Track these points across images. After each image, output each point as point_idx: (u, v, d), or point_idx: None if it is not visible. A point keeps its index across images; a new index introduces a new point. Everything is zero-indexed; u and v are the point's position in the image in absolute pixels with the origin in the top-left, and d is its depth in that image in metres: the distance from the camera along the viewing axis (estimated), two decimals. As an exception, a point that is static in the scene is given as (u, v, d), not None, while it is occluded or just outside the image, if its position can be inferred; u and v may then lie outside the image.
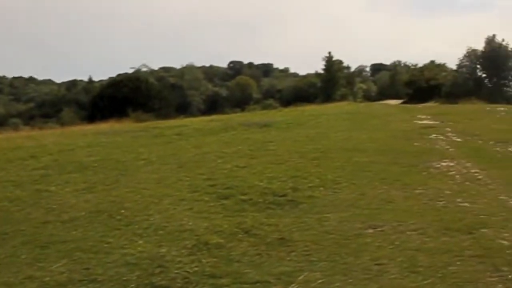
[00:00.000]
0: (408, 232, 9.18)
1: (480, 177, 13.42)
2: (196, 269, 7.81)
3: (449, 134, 21.23)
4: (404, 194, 11.73)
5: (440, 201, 11.16)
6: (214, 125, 26.08)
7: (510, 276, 7.39)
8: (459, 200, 11.18)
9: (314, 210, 10.57)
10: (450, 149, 17.51)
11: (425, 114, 30.59)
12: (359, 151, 16.78)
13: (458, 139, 19.89)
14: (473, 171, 14.11)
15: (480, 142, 19.37)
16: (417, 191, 11.97)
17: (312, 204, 11.00)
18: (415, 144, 18.58)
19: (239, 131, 23.05)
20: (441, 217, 9.96)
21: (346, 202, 11.11)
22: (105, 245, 8.87)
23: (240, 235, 9.17)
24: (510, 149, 17.69)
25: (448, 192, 11.87)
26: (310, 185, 12.54)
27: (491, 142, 19.08)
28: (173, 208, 10.92)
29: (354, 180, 13.00)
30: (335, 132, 21.90)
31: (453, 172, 13.94)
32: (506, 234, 8.99)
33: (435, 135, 20.79)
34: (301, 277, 7.50)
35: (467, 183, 12.77)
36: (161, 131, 24.05)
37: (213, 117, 33.98)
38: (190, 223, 9.86)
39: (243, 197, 11.46)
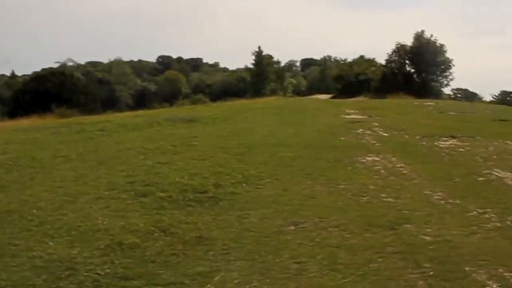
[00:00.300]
0: (329, 229, 8.97)
1: (405, 172, 13.34)
2: (108, 270, 7.43)
3: (376, 128, 21.22)
4: (328, 190, 11.54)
5: (364, 196, 11.01)
6: (139, 120, 25.49)
7: (431, 273, 7.25)
8: (383, 195, 11.05)
9: (235, 207, 10.27)
10: (377, 144, 17.45)
11: (353, 109, 30.61)
12: (284, 146, 16.54)
13: (385, 134, 19.88)
14: (398, 165, 14.04)
15: (406, 136, 19.39)
16: (341, 186, 11.79)
17: (234, 201, 10.69)
18: (342, 138, 18.47)
19: (164, 127, 22.56)
20: (364, 213, 9.80)
21: (268, 199, 10.85)
22: (12, 248, 8.37)
23: (157, 234, 8.80)
24: (436, 143, 17.73)
25: (372, 187, 11.73)
26: (232, 181, 12.23)
27: (417, 137, 19.11)
28: (89, 207, 10.45)
29: (277, 176, 12.75)
30: (261, 127, 21.64)
31: (378, 167, 13.84)
32: (428, 230, 8.87)
33: (362, 129, 20.72)
34: (217, 278, 7.21)
35: (391, 178, 12.66)
36: (83, 127, 23.33)
37: (139, 112, 33.41)
38: (105, 222, 9.44)
39: (162, 195, 11.06)
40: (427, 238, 8.50)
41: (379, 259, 7.70)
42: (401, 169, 13.64)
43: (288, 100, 47.69)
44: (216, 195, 11.04)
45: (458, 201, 10.60)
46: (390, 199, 10.76)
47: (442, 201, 10.61)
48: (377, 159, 14.90)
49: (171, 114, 29.35)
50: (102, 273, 7.35)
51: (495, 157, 15.39)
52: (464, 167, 14.01)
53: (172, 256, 7.92)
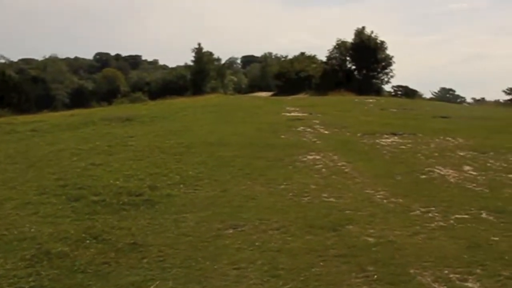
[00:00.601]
0: (270, 231, 8.62)
1: (346, 170, 13.10)
2: (32, 283, 6.92)
3: (317, 126, 21.00)
4: (268, 190, 11.21)
5: (305, 196, 10.70)
6: (74, 120, 24.71)
7: (375, 277, 6.95)
8: (324, 195, 10.76)
9: (172, 210, 9.84)
10: (317, 142, 17.20)
11: (293, 106, 30.42)
12: (223, 145, 16.16)
13: (326, 132, 19.67)
14: (339, 164, 13.79)
15: (347, 134, 19.21)
16: (282, 187, 11.47)
17: (170, 204, 10.26)
18: (282, 137, 18.17)
19: (99, 126, 21.86)
20: (305, 214, 9.47)
21: (207, 200, 10.44)
22: None
23: (88, 242, 8.29)
24: (377, 141, 17.58)
25: (313, 186, 11.44)
26: (169, 182, 11.80)
27: (358, 134, 18.95)
28: (15, 213, 9.86)
29: (216, 176, 12.36)
30: (200, 126, 21.19)
31: (320, 166, 13.56)
32: (371, 230, 8.60)
33: (302, 127, 20.48)
34: (151, 287, 6.76)
35: (333, 177, 12.39)
36: (14, 127, 22.45)
37: (75, 111, 32.41)
38: (33, 230, 8.87)
39: (95, 198, 10.54)
40: (370, 239, 8.23)
41: (321, 263, 7.38)
42: (343, 167, 13.40)
43: (228, 98, 47.31)
44: (152, 198, 10.58)
45: (400, 200, 10.38)
46: (332, 199, 10.48)
47: (385, 200, 10.38)
48: (318, 157, 14.63)
49: (107, 113, 28.55)
50: (27, 286, 6.84)
51: (436, 154, 15.29)
52: (406, 164, 13.85)
53: (103, 265, 7.44)
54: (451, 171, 13.02)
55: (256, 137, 17.93)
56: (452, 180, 12.14)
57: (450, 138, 18.20)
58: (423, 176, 12.49)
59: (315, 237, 8.33)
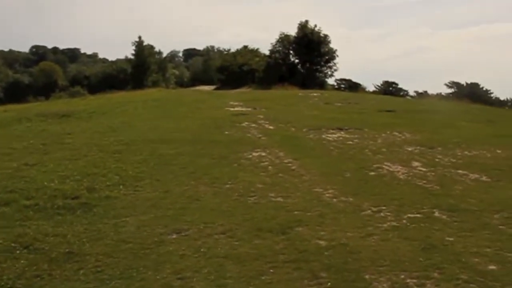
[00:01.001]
0: (215, 236, 8.10)
1: (293, 167, 12.66)
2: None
3: (262, 121, 20.54)
4: (213, 190, 10.69)
5: (251, 196, 10.22)
6: (7, 116, 23.78)
7: (329, 284, 6.52)
8: (271, 194, 10.29)
9: (111, 214, 9.23)
10: (263, 138, 16.74)
11: (237, 101, 29.91)
12: (165, 142, 15.57)
13: (271, 127, 19.22)
14: (286, 161, 13.35)
15: (293, 129, 18.79)
16: (227, 186, 10.97)
17: (109, 207, 9.65)
18: (226, 133, 17.66)
19: (34, 123, 20.93)
20: (252, 215, 8.99)
21: (148, 202, 9.87)
22: None
23: (18, 252, 7.65)
24: (323, 136, 17.22)
25: (260, 185, 10.97)
26: (108, 183, 11.18)
27: (304, 130, 18.55)
28: None
29: (158, 176, 11.79)
30: (141, 121, 20.52)
31: (266, 163, 13.09)
32: (322, 233, 8.16)
33: (247, 123, 19.99)
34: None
35: (280, 175, 11.93)
36: None
37: (8, 106, 31.37)
38: (-45, 240, 8.16)
39: (27, 203, 9.84)
40: (322, 242, 7.79)
41: (271, 270, 6.92)
42: (289, 164, 12.96)
43: (170, 92, 46.46)
44: (90, 201, 9.96)
45: (350, 198, 10.00)
46: (279, 199, 10.03)
47: (334, 199, 9.97)
48: (263, 154, 14.17)
49: (44, 108, 27.65)
50: None
51: (384, 149, 15.01)
52: (353, 161, 13.49)
53: (35, 279, 6.85)
54: (400, 167, 12.73)
55: (199, 133, 17.38)
56: (401, 176, 11.83)
57: (397, 133, 17.99)
58: (372, 173, 12.16)
59: (263, 241, 7.86)
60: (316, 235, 8.06)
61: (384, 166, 12.79)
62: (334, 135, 17.43)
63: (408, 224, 8.58)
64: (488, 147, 15.57)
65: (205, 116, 21.95)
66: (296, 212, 9.15)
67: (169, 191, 10.59)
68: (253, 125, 19.58)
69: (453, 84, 75.24)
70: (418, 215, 9.01)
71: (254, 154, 14.16)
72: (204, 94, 39.10)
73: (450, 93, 68.49)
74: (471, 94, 58.00)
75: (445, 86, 72.87)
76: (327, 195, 10.27)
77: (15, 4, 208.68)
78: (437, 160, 13.70)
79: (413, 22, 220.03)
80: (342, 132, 18.06)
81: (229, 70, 67.66)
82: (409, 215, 9.02)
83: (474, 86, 73.41)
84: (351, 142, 16.17)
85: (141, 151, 14.46)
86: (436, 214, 9.10)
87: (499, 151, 15.05)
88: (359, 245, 7.68)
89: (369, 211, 9.25)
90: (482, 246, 7.63)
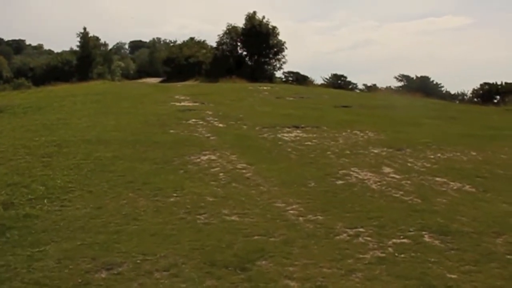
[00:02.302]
0: (156, 274, 6.39)
1: (248, 175, 11.02)
2: None
3: (210, 118, 18.85)
4: (155, 205, 8.97)
5: (201, 214, 8.53)
6: None
7: None
8: (225, 211, 8.62)
9: (27, 240, 7.43)
10: (212, 138, 15.06)
11: (184, 95, 28.10)
12: (103, 143, 13.80)
13: (221, 125, 17.54)
14: (239, 166, 11.70)
15: (245, 127, 17.15)
16: (171, 199, 9.27)
17: (27, 230, 7.84)
18: (171, 131, 15.93)
19: (-42, 120, 18.95)
20: (202, 243, 7.28)
21: (76, 223, 8.10)
22: None
23: None
24: (279, 135, 15.62)
25: (210, 199, 9.30)
26: (30, 196, 9.38)
27: (257, 128, 16.92)
28: None
29: (90, 186, 10.03)
30: (79, 118, 18.64)
31: (216, 169, 11.43)
32: (292, 268, 6.52)
33: (194, 120, 18.27)
34: None
35: (233, 184, 10.28)
36: None
37: None
38: None
39: None
40: (293, 284, 6.13)
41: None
42: (244, 171, 11.32)
43: (114, 85, 44.12)
44: (4, 221, 8.15)
45: (320, 217, 8.39)
46: (234, 217, 8.37)
47: (301, 218, 8.35)
48: (213, 157, 12.51)
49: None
50: None
51: (347, 151, 13.51)
52: (316, 166, 11.93)
53: None
54: (370, 174, 11.22)
55: (141, 132, 15.63)
56: (374, 186, 10.30)
57: (358, 132, 16.57)
58: (340, 182, 10.59)
59: (218, 282, 6.16)
60: (284, 271, 6.39)
61: (351, 173, 11.26)
62: (290, 135, 15.86)
63: (396, 254, 6.94)
64: (461, 148, 14.24)
65: (149, 112, 20.18)
66: (256, 237, 7.48)
67: (102, 207, 8.84)
68: (201, 122, 17.89)
69: (403, 78, 74.79)
70: (405, 241, 7.40)
71: (203, 157, 12.49)
72: (148, 87, 37.16)
73: (400, 87, 67.93)
74: (422, 87, 57.40)
75: (394, 80, 72.19)
76: (291, 211, 8.64)
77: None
78: (409, 164, 12.24)
79: (360, 14, 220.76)
80: (299, 131, 16.52)
81: (175, 63, 66.05)
82: (394, 240, 7.41)
83: (424, 80, 73.00)
84: (310, 143, 14.62)
85: (75, 154, 12.66)
86: (426, 238, 7.51)
87: (474, 153, 13.70)
88: None
89: (344, 235, 7.62)
90: (496, 287, 6.11)
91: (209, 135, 15.53)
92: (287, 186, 10.13)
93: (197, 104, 23.55)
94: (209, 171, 11.28)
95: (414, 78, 73.95)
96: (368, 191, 9.94)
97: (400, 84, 71.95)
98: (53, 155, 12.60)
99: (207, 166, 11.64)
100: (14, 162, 11.92)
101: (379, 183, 10.49)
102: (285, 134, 15.83)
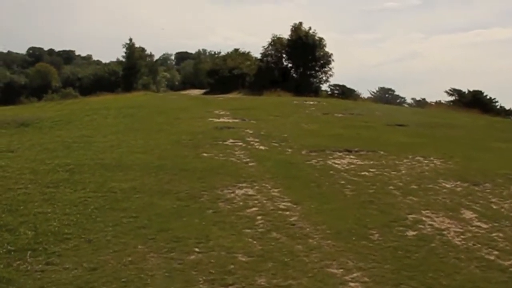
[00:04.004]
0: None
1: (293, 218, 8.73)
2: None
3: (251, 138, 16.60)
4: (168, 266, 6.79)
5: (228, 285, 6.28)
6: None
7: None
8: (261, 281, 6.36)
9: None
10: (251, 164, 12.84)
11: (224, 109, 25.92)
12: (122, 169, 11.76)
13: (262, 147, 15.26)
14: (282, 206, 9.42)
15: (289, 151, 14.82)
16: (192, 257, 7.06)
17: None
18: (204, 155, 13.74)
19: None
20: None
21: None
22: None
23: None
24: (329, 162, 13.33)
25: (242, 258, 7.04)
26: (11, 247, 7.36)
27: (303, 152, 14.59)
28: None
29: (92, 232, 7.92)
30: (104, 136, 16.70)
31: (253, 209, 9.18)
32: None
33: (232, 140, 16.04)
34: None
35: (274, 234, 7.98)
36: None
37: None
38: None
39: None
40: None
41: None
42: (287, 213, 9.04)
43: (154, 97, 42.08)
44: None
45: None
46: (275, 290, 6.11)
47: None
48: (251, 192, 10.29)
49: (10, 114, 23.99)
50: None
51: (414, 186, 11.12)
52: (378, 207, 9.53)
53: None
54: (447, 220, 8.83)
55: (169, 155, 13.50)
56: (457, 241, 7.90)
57: (421, 158, 14.18)
58: (411, 233, 8.19)
59: None
60: None
61: (424, 219, 8.87)
62: (343, 161, 13.54)
63: None
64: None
65: (183, 130, 18.07)
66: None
67: (98, 267, 6.66)
68: (240, 143, 15.66)
69: (454, 92, 71.63)
70: None
71: (238, 191, 10.27)
72: (188, 100, 35.23)
73: (452, 101, 64.93)
74: (474, 102, 54.50)
75: (445, 94, 69.04)
76: (352, 284, 6.32)
77: (13, 6, 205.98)
78: (494, 207, 9.78)
79: (405, 27, 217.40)
80: (352, 156, 14.19)
81: (219, 74, 64.11)
82: None
83: (477, 94, 69.83)
84: (367, 173, 12.26)
85: (86, 183, 10.61)
86: None
87: None
88: None
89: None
90: None
91: (247, 160, 13.32)
92: (343, 239, 7.80)
93: (237, 120, 21.35)
94: (244, 212, 9.03)
95: (466, 92, 70.81)
96: (451, 249, 7.54)
97: (451, 98, 68.86)
98: (60, 184, 10.55)
99: (242, 205, 9.40)
100: (12, 193, 9.92)
101: (462, 236, 8.09)
102: (337, 161, 13.52)
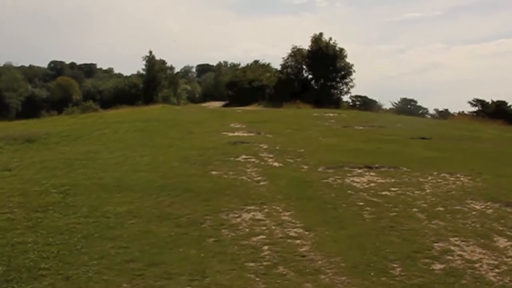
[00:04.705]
0: None
1: (304, 249, 7.68)
2: None
3: (265, 154, 15.64)
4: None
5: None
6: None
7: None
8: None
9: None
10: (262, 183, 11.85)
11: (240, 122, 25.03)
12: (122, 190, 10.90)
13: (276, 163, 14.27)
14: (293, 233, 8.38)
15: (305, 168, 13.81)
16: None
17: None
18: (213, 173, 12.78)
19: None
20: None
21: None
22: None
23: None
24: (347, 180, 12.28)
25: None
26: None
27: (320, 168, 13.57)
28: None
29: (72, 267, 7.00)
30: (111, 152, 15.87)
31: (260, 237, 8.15)
32: None
33: (245, 156, 15.08)
34: None
35: (280, 269, 6.92)
36: None
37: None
38: None
39: None
40: None
41: None
42: (298, 241, 8.00)
43: (171, 110, 40.89)
44: None
45: None
46: None
47: None
48: (259, 216, 9.29)
49: (21, 128, 23.24)
50: None
51: (440, 208, 10.03)
52: (400, 234, 8.42)
53: None
54: (479, 250, 7.73)
55: (176, 173, 12.57)
56: (491, 276, 6.79)
57: (446, 175, 13.09)
58: (438, 267, 7.08)
59: None
60: None
61: (452, 248, 7.78)
62: (362, 179, 12.49)
63: None
64: None
65: (194, 145, 17.16)
66: None
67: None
68: (253, 159, 14.69)
69: (477, 102, 70.14)
70: None
71: (245, 215, 9.28)
72: (205, 113, 34.36)
73: (475, 112, 63.49)
74: (499, 113, 53.11)
75: (468, 104, 67.50)
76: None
77: (35, 21, 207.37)
78: (533, 234, 8.70)
79: (427, 37, 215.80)
80: (373, 173, 13.14)
81: (238, 86, 63.27)
82: None
83: (501, 105, 68.28)
84: (388, 193, 11.18)
85: (78, 207, 9.71)
86: None
87: None
88: None
89: None
90: None
91: (259, 178, 12.32)
92: (360, 274, 6.74)
93: (252, 134, 20.39)
94: (250, 240, 8.01)
95: (490, 102, 69.23)
96: (485, 287, 6.50)
97: (474, 109, 67.29)
98: (50, 208, 9.64)
99: (248, 232, 8.39)
100: (-5, 224, 8.96)
101: (497, 270, 6.98)
102: (355, 179, 12.47)
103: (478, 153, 17.30)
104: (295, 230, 8.54)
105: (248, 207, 9.77)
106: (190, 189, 10.94)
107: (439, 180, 12.52)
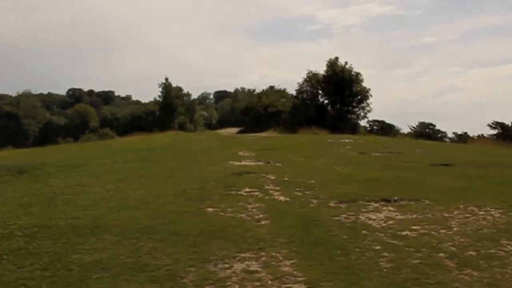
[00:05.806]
0: None
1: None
2: None
3: (271, 186, 14.12)
4: None
5: None
6: None
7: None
8: None
9: None
10: (263, 222, 10.27)
11: (250, 150, 23.58)
12: (98, 233, 9.41)
13: (282, 197, 12.69)
14: (292, 293, 6.81)
15: (314, 202, 12.20)
16: None
17: None
18: (209, 210, 11.25)
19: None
20: None
21: None
22: None
23: None
24: (361, 217, 10.67)
25: None
26: None
27: (331, 203, 11.97)
28: None
29: None
30: (103, 184, 14.52)
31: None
32: None
33: (248, 188, 13.56)
34: None
35: None
36: None
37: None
38: None
39: None
40: None
41: None
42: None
43: (182, 137, 39.68)
44: None
45: None
46: None
47: None
48: (254, 267, 7.68)
49: (10, 159, 21.91)
50: None
51: (471, 252, 8.36)
52: (426, 290, 6.85)
53: None
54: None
55: (166, 211, 11.07)
56: None
57: (475, 208, 11.46)
58: None
59: None
60: None
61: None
62: (379, 215, 10.86)
63: None
64: None
65: (196, 176, 15.69)
66: None
67: None
68: (256, 192, 13.14)
69: (497, 125, 68.34)
70: None
71: (237, 266, 7.67)
72: (216, 141, 33.00)
73: (495, 135, 61.72)
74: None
75: (487, 127, 65.66)
76: None
77: (54, 50, 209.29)
78: None
79: (443, 62, 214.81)
80: (391, 208, 11.52)
81: (253, 112, 62.25)
82: None
83: (520, 127, 66.48)
84: (409, 233, 9.52)
85: (41, 254, 8.26)
86: None
87: None
88: None
89: None
90: None
91: (260, 216, 10.76)
92: None
93: (260, 163, 18.87)
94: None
95: (510, 125, 67.37)
96: None
97: (494, 132, 65.44)
98: (5, 257, 8.15)
99: (234, 294, 6.81)
100: None
101: None
102: (371, 215, 10.85)
103: (507, 181, 15.57)
104: (295, 286, 6.93)
105: (243, 255, 8.18)
106: (177, 232, 9.38)
107: (466, 215, 10.88)
